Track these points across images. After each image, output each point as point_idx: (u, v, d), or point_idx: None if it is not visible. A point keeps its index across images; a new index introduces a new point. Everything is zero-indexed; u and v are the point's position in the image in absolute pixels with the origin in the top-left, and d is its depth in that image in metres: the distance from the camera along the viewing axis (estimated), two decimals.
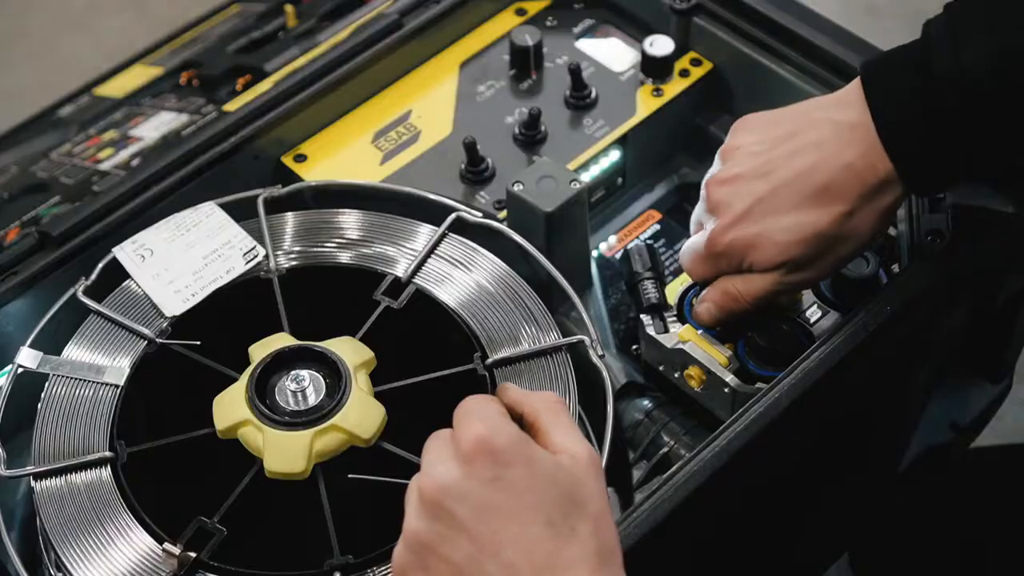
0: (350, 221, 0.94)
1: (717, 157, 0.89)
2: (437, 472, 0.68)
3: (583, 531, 0.67)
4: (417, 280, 0.90)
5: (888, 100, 0.81)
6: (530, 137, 1.04)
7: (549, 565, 0.65)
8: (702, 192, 0.88)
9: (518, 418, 0.73)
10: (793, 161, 0.83)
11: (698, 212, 0.89)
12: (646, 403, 0.97)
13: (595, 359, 0.87)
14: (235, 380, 0.83)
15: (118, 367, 0.87)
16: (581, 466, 0.69)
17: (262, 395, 0.82)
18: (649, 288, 0.96)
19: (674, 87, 1.07)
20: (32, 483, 0.83)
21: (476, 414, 0.70)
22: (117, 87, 1.38)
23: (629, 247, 0.99)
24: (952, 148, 0.80)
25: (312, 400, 0.81)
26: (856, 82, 0.83)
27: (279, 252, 0.92)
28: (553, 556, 0.66)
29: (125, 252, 0.93)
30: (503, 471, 0.67)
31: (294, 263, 0.92)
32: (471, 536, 0.66)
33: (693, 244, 0.89)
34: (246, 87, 1.21)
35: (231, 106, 1.08)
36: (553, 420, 0.72)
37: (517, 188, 0.95)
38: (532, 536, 0.66)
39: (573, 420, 0.74)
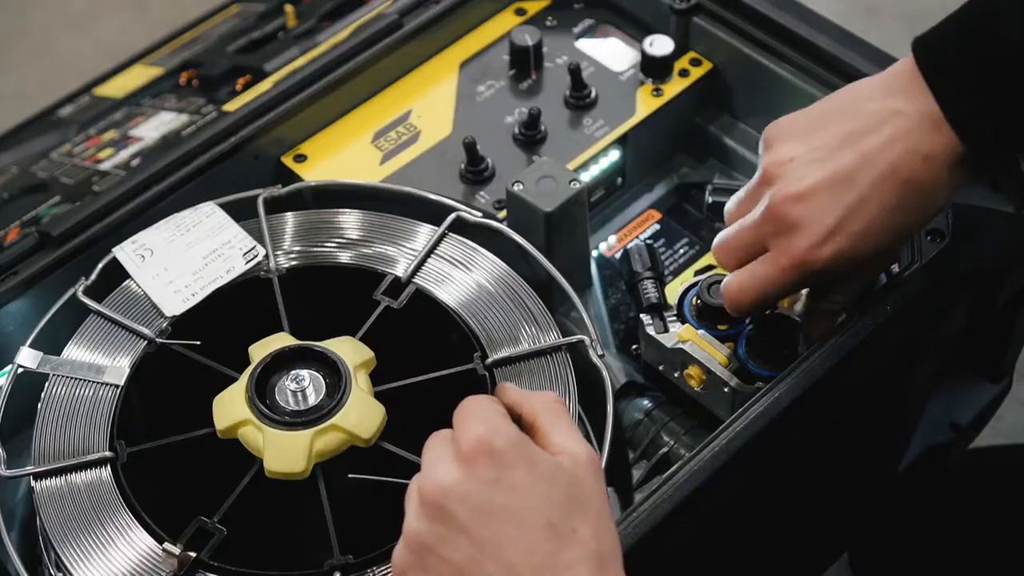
0: (350, 221, 0.94)
1: (763, 175, 0.84)
2: (437, 473, 0.68)
3: (584, 532, 0.67)
4: (417, 280, 0.90)
5: (953, 80, 0.78)
6: (530, 137, 1.04)
7: (549, 566, 0.65)
8: (767, 212, 0.82)
9: (517, 419, 0.73)
10: (870, 164, 0.80)
11: (755, 232, 0.84)
12: (646, 403, 0.97)
13: (595, 359, 0.87)
14: (235, 380, 0.83)
15: (118, 367, 0.87)
16: (581, 467, 0.69)
17: (262, 395, 0.82)
18: (649, 288, 0.96)
19: (674, 87, 1.07)
20: (32, 483, 0.83)
21: (476, 415, 0.70)
22: (117, 87, 1.38)
23: (629, 247, 0.99)
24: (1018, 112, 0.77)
25: (312, 400, 0.81)
26: (908, 64, 0.80)
27: (279, 252, 0.93)
28: (553, 557, 0.66)
29: (125, 252, 0.93)
30: (504, 472, 0.67)
31: (294, 263, 0.92)
32: (471, 537, 0.66)
33: (755, 271, 0.84)
34: (246, 87, 1.21)
35: (231, 106, 1.08)
36: (552, 421, 0.72)
37: (517, 188, 0.95)
38: (532, 537, 0.66)
39: (572, 420, 0.74)
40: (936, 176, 0.80)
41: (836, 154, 0.81)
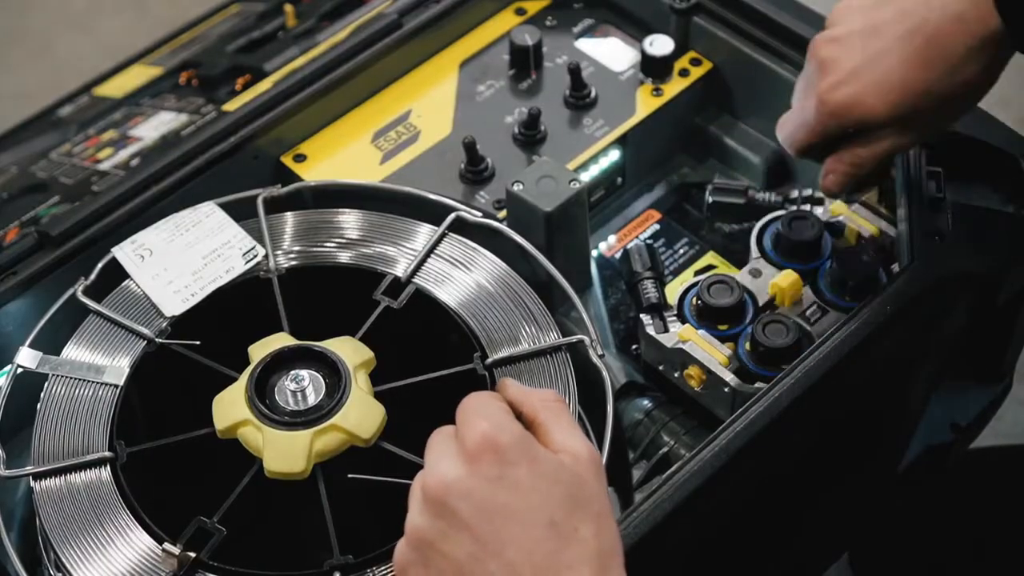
0: (350, 221, 0.94)
1: (828, 20, 0.87)
2: (440, 469, 0.68)
3: (585, 531, 0.67)
4: (417, 280, 0.90)
5: None
6: (530, 137, 1.04)
7: (551, 565, 0.65)
8: (808, 53, 0.87)
9: (518, 416, 0.73)
10: (903, 16, 0.82)
11: (804, 76, 0.88)
12: (646, 403, 0.97)
13: (595, 359, 0.87)
14: (235, 380, 0.83)
15: (118, 367, 0.87)
16: (583, 465, 0.69)
17: (262, 395, 0.82)
18: (649, 288, 0.96)
19: (674, 87, 1.07)
20: (32, 483, 0.83)
21: (480, 412, 0.70)
22: (116, 87, 1.38)
23: (629, 247, 0.99)
24: None
25: (312, 400, 0.81)
26: None
27: (279, 252, 0.92)
28: (555, 556, 0.66)
29: (124, 252, 0.93)
30: (507, 470, 0.67)
31: (294, 263, 0.92)
32: (473, 534, 0.66)
33: (798, 111, 0.88)
34: (245, 87, 1.21)
35: (230, 106, 1.08)
36: (554, 419, 0.72)
37: (517, 188, 0.95)
38: (534, 536, 0.66)
39: (573, 419, 0.74)
40: (965, 40, 0.80)
41: (880, 6, 0.83)
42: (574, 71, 1.06)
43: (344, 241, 0.93)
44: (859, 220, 0.97)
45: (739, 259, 1.03)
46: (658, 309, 0.95)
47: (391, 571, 0.78)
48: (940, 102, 0.83)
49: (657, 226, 1.07)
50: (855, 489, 1.08)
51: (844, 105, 0.84)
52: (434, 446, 0.70)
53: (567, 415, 0.73)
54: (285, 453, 0.80)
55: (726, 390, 0.90)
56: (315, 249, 0.93)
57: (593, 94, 1.07)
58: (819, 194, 1.01)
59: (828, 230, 0.96)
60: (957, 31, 0.80)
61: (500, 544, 0.66)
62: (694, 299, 0.94)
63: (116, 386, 0.86)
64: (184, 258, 0.92)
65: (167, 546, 0.78)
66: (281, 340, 0.85)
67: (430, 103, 1.07)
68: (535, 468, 0.68)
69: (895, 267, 0.94)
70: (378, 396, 0.83)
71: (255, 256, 0.92)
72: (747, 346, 0.91)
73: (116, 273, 0.92)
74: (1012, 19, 0.79)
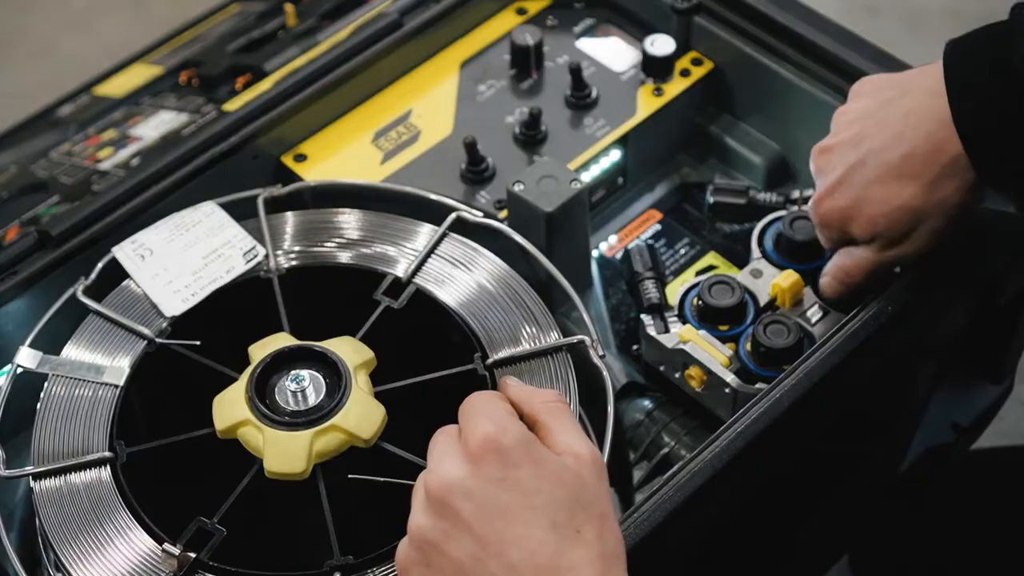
0: (350, 221, 0.94)
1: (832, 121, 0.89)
2: (443, 469, 0.68)
3: (588, 533, 0.67)
4: (417, 280, 0.90)
5: (963, 82, 0.79)
6: (531, 137, 1.04)
7: (553, 566, 0.65)
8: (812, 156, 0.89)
9: (520, 416, 0.72)
10: (882, 130, 0.83)
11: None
12: (647, 403, 0.97)
13: (595, 359, 0.87)
14: (235, 380, 0.83)
15: (118, 367, 0.87)
16: (586, 467, 0.69)
17: (262, 395, 0.82)
18: (650, 288, 0.96)
19: (675, 87, 1.07)
20: (31, 483, 0.83)
21: (484, 412, 0.70)
22: (116, 86, 1.38)
23: (630, 247, 0.99)
24: None
25: (312, 400, 0.81)
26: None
27: (279, 252, 0.92)
28: (557, 558, 0.66)
29: (124, 252, 0.93)
30: (510, 471, 0.67)
31: (294, 263, 0.92)
32: (476, 535, 0.66)
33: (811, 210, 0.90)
34: (246, 86, 1.21)
35: (231, 106, 1.08)
36: (555, 420, 0.72)
37: (518, 188, 0.95)
38: (536, 537, 0.66)
39: (575, 419, 0.74)
40: (937, 159, 0.81)
41: (866, 117, 0.84)
42: (575, 71, 1.06)
43: (344, 241, 0.93)
44: None
45: (740, 259, 1.03)
46: (659, 309, 0.95)
47: (391, 571, 0.78)
48: (917, 219, 0.83)
49: (658, 226, 1.07)
50: (856, 490, 1.08)
51: (830, 218, 0.86)
52: (437, 445, 0.70)
53: (569, 416, 0.73)
54: (285, 453, 0.80)
55: (727, 391, 0.90)
56: (315, 249, 0.93)
57: (594, 94, 1.07)
58: None
59: None
60: (930, 151, 0.81)
61: (502, 545, 0.66)
62: (695, 299, 0.93)
63: (116, 386, 0.86)
64: (184, 258, 0.92)
65: (167, 546, 0.78)
66: (281, 340, 0.85)
67: (431, 103, 1.07)
68: (538, 469, 0.67)
69: (896, 268, 0.94)
70: (378, 396, 0.83)
71: (255, 256, 0.92)
72: (748, 346, 0.91)
73: (116, 273, 0.92)
74: (975, 152, 0.80)
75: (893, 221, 0.84)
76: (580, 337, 0.87)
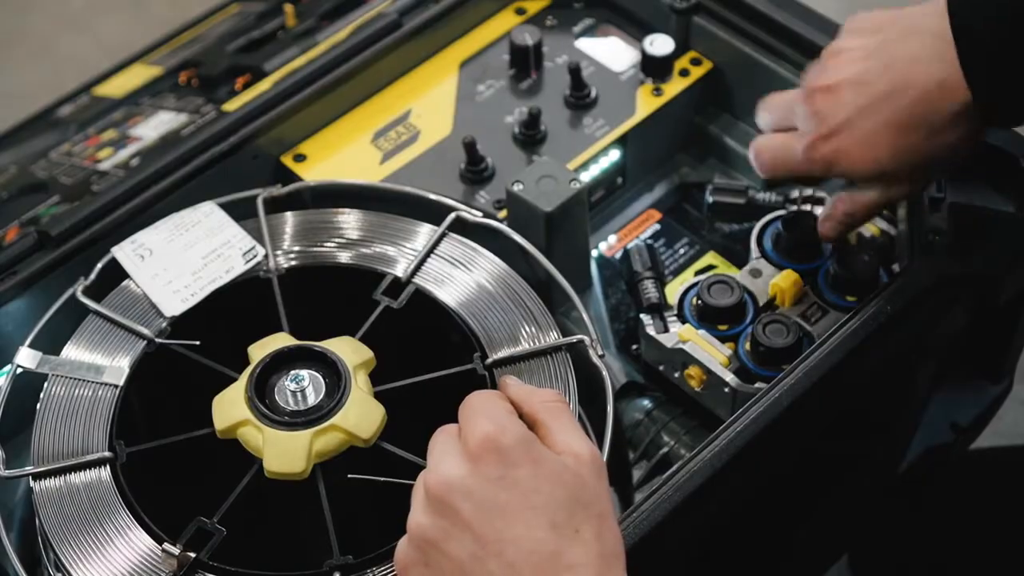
0: (350, 221, 0.94)
1: (823, 56, 0.88)
2: (443, 468, 0.68)
3: (587, 533, 0.67)
4: (417, 280, 0.90)
5: (971, 29, 0.79)
6: (530, 137, 1.04)
7: (552, 566, 0.65)
8: (802, 93, 0.87)
9: (519, 415, 0.73)
10: (890, 73, 0.82)
11: (795, 112, 0.88)
12: (646, 403, 0.97)
13: (595, 359, 0.87)
14: (234, 380, 0.83)
15: (117, 367, 0.87)
16: (585, 467, 0.69)
17: (262, 395, 0.82)
18: (649, 288, 0.96)
19: (674, 86, 1.07)
20: (31, 483, 0.83)
21: (483, 412, 0.70)
22: (116, 87, 1.38)
23: (629, 247, 0.99)
24: None
25: (312, 400, 0.81)
26: None
27: (278, 252, 0.92)
28: (556, 557, 0.66)
29: (124, 252, 0.93)
30: (509, 470, 0.67)
31: (294, 263, 0.92)
32: (475, 534, 0.66)
33: (783, 145, 0.89)
34: (245, 87, 1.21)
35: (230, 106, 1.08)
36: (555, 419, 0.72)
37: (517, 188, 0.95)
38: (536, 537, 0.66)
39: (575, 419, 0.74)
40: (947, 106, 0.81)
41: (870, 58, 0.84)
42: (574, 71, 1.06)
43: (344, 241, 0.93)
44: None
45: (739, 259, 1.03)
46: (658, 309, 0.95)
47: (391, 571, 0.78)
48: (924, 161, 0.84)
49: (657, 226, 1.07)
50: (855, 490, 1.08)
51: (831, 158, 0.85)
52: (437, 445, 0.71)
53: (568, 415, 0.73)
54: (285, 453, 0.80)
55: (726, 390, 0.90)
56: (315, 249, 0.93)
57: (593, 94, 1.07)
58: (820, 194, 1.01)
59: None
60: (940, 97, 0.81)
61: (501, 544, 0.66)
62: (694, 299, 0.93)
63: (116, 386, 0.86)
64: (184, 258, 0.92)
65: (167, 546, 0.78)
66: (281, 340, 0.85)
67: (430, 103, 1.07)
68: (537, 469, 0.68)
69: (895, 267, 0.94)
70: (378, 396, 0.83)
71: (255, 256, 0.92)
72: (747, 346, 0.91)
73: (116, 273, 0.92)
74: (979, 94, 0.80)
75: (901, 164, 0.84)
76: (579, 337, 0.87)
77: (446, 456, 0.69)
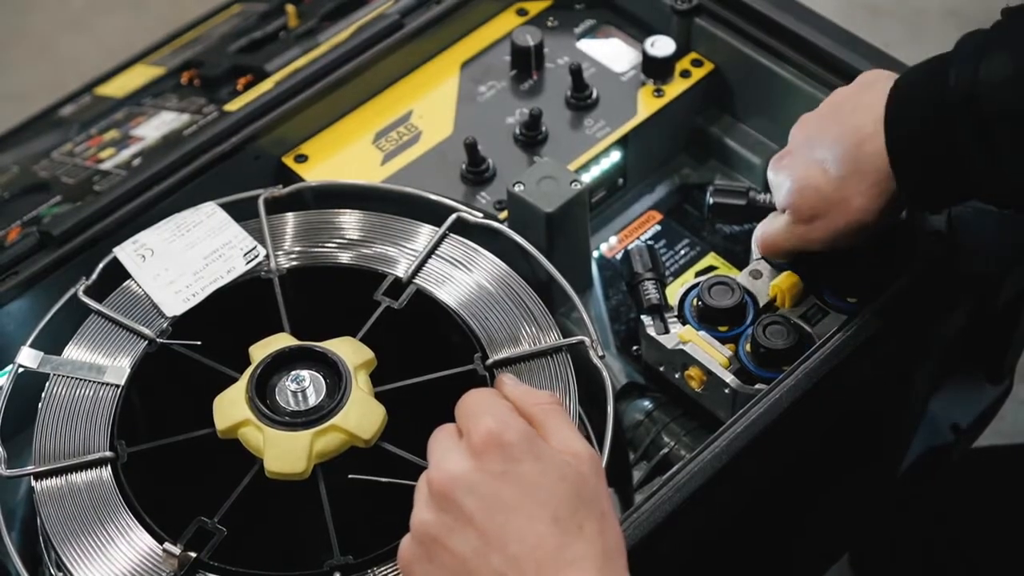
0: (350, 221, 0.94)
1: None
2: (446, 465, 0.69)
3: (590, 529, 0.67)
4: (417, 280, 0.90)
5: (901, 101, 0.81)
6: (531, 138, 1.04)
7: (554, 560, 0.66)
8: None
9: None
10: (835, 121, 0.86)
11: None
12: (646, 404, 0.97)
13: (595, 360, 0.87)
14: (235, 380, 0.83)
15: (119, 367, 0.87)
16: (585, 465, 0.70)
17: (262, 395, 0.82)
18: (650, 289, 0.96)
19: (675, 88, 1.07)
20: (32, 483, 0.83)
21: (485, 408, 0.70)
22: (118, 87, 1.38)
23: (630, 247, 0.99)
24: (956, 169, 0.79)
25: (312, 400, 0.82)
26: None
27: (279, 252, 0.93)
28: (559, 552, 0.66)
29: (126, 252, 0.93)
30: (512, 466, 0.68)
31: (294, 263, 0.92)
32: (478, 529, 0.67)
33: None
34: (247, 87, 1.21)
35: (232, 106, 1.08)
36: (551, 421, 0.72)
37: (518, 188, 0.95)
38: (538, 532, 0.66)
39: (571, 420, 0.74)
40: (862, 159, 0.83)
41: (836, 106, 0.87)
42: (575, 72, 1.06)
43: (345, 241, 0.93)
44: None
45: (740, 260, 1.03)
46: (659, 310, 0.95)
47: (391, 571, 0.78)
48: (827, 206, 0.85)
49: (658, 227, 1.07)
50: (855, 490, 1.08)
51: (779, 172, 0.88)
52: (439, 442, 0.71)
53: (564, 416, 0.73)
54: (285, 453, 0.80)
55: (727, 391, 0.90)
56: (316, 249, 0.93)
57: (594, 95, 1.07)
58: None
59: None
60: (856, 146, 0.83)
61: (504, 538, 0.66)
62: (695, 300, 0.94)
63: (117, 386, 0.86)
64: (185, 258, 0.92)
65: (168, 546, 0.78)
66: (282, 340, 0.85)
67: (431, 104, 1.08)
68: (539, 465, 0.68)
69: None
70: (379, 396, 0.83)
71: (256, 256, 0.92)
72: (747, 347, 0.91)
73: (117, 273, 0.92)
74: (904, 179, 0.82)
75: (803, 198, 0.86)
76: (580, 337, 0.87)
77: (449, 453, 0.69)
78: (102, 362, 0.88)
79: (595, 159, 1.04)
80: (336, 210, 0.95)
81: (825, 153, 0.85)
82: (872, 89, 0.84)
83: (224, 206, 0.95)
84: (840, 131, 0.85)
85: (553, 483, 0.68)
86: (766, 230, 0.92)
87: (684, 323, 0.93)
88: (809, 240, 0.88)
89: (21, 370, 0.87)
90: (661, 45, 1.06)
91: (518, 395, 0.74)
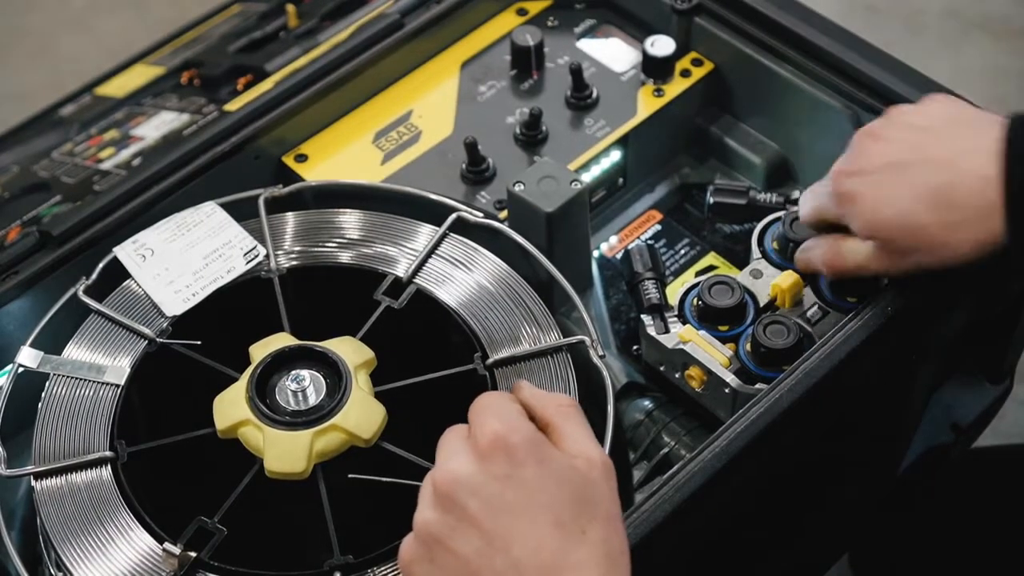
0: (351, 221, 0.94)
1: (855, 140, 0.86)
2: (451, 466, 0.69)
3: (593, 534, 0.67)
4: (418, 280, 0.90)
5: (1018, 158, 0.78)
6: (531, 137, 1.04)
7: (556, 564, 0.66)
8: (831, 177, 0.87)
9: (532, 419, 0.73)
10: (939, 149, 0.81)
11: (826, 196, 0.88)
12: (647, 403, 0.97)
13: (596, 359, 0.87)
14: (235, 380, 0.83)
15: (118, 367, 0.87)
16: (596, 470, 0.70)
17: (262, 395, 0.82)
18: (650, 288, 0.96)
19: (675, 87, 1.07)
20: (32, 483, 0.83)
21: (494, 411, 0.71)
22: (118, 87, 1.38)
23: (630, 247, 0.99)
24: None
25: (312, 400, 0.82)
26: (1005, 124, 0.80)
27: (279, 252, 0.93)
28: (561, 555, 0.66)
29: (126, 252, 0.93)
30: (517, 469, 0.68)
31: (294, 263, 0.92)
32: (481, 530, 0.67)
33: (820, 192, 0.89)
34: (247, 87, 1.21)
35: (232, 106, 1.08)
36: (568, 423, 0.73)
37: (518, 188, 0.95)
38: (541, 535, 0.66)
39: (587, 424, 0.74)
40: (975, 201, 0.79)
41: (929, 129, 0.83)
42: (575, 72, 1.06)
43: (345, 241, 0.93)
44: None
45: (740, 260, 1.03)
46: (659, 310, 0.95)
47: (391, 571, 0.78)
48: (924, 246, 0.82)
49: (658, 227, 1.07)
50: (855, 490, 1.08)
51: (847, 194, 0.84)
52: (446, 443, 0.71)
53: (582, 420, 0.73)
54: (286, 453, 0.80)
55: (727, 391, 0.90)
56: (316, 249, 0.93)
57: (594, 94, 1.07)
58: None
59: None
60: (971, 193, 0.79)
61: (507, 541, 0.66)
62: (695, 300, 0.94)
63: (117, 386, 0.86)
64: (185, 258, 0.92)
65: (168, 546, 0.78)
66: (282, 340, 0.85)
67: (431, 103, 1.08)
68: (544, 469, 0.68)
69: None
70: (379, 396, 0.83)
71: (256, 256, 0.92)
72: (748, 347, 0.91)
73: (117, 273, 0.92)
74: (1015, 233, 0.78)
75: (900, 234, 0.82)
76: (580, 337, 0.87)
77: (456, 453, 0.70)
78: (102, 362, 0.88)
79: (595, 159, 1.04)
80: (336, 210, 0.95)
81: (924, 186, 0.80)
82: (972, 127, 0.81)
83: (224, 206, 0.95)
84: (944, 167, 0.80)
85: (557, 487, 0.68)
86: (837, 251, 0.87)
87: (684, 323, 0.93)
88: (896, 268, 0.85)
89: (21, 370, 0.87)
90: (661, 45, 1.06)
91: (536, 398, 0.74)
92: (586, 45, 1.11)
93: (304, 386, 0.81)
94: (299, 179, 1.02)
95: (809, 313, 0.93)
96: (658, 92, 1.07)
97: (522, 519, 0.67)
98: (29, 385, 0.87)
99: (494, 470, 0.68)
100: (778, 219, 0.97)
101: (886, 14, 2.09)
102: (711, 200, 1.04)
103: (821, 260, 0.89)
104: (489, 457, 0.68)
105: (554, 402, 0.74)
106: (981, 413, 1.12)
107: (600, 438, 0.84)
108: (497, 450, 0.68)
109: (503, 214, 0.99)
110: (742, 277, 0.95)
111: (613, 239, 1.07)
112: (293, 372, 0.82)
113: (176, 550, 0.78)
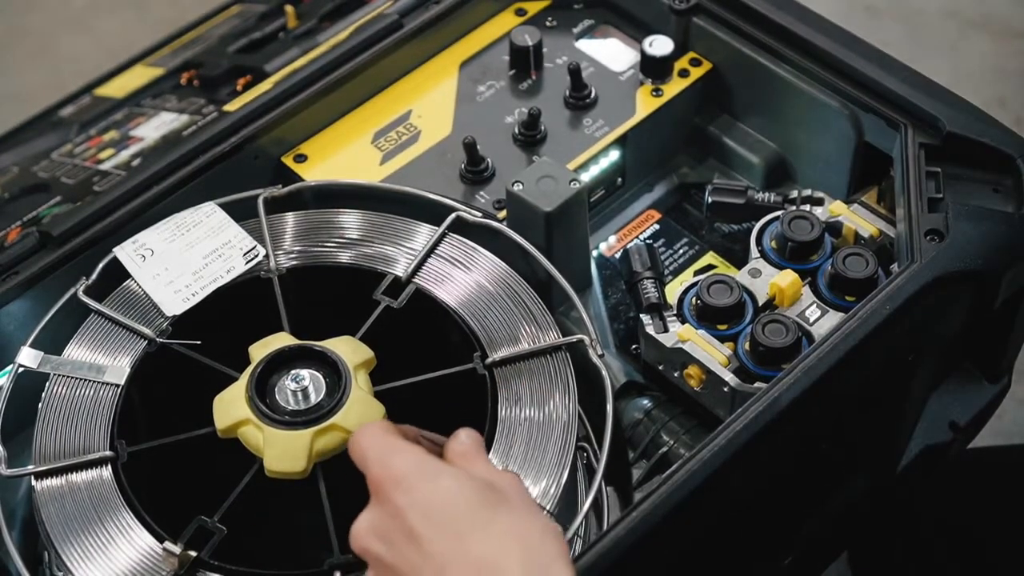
0: (350, 221, 0.94)
1: None
2: (358, 523, 0.70)
3: (500, 527, 0.67)
4: (417, 280, 0.90)
5: None
6: (530, 137, 1.05)
7: (485, 559, 0.66)
8: None
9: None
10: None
11: None
12: (646, 402, 0.97)
13: (595, 358, 0.87)
14: (235, 379, 0.84)
15: (119, 367, 0.87)
16: (506, 480, 0.70)
17: (262, 394, 0.82)
18: (648, 288, 0.96)
19: (673, 87, 1.07)
20: (33, 482, 0.83)
21: (369, 452, 0.71)
22: (118, 87, 1.38)
23: (629, 247, 0.99)
24: None
25: (312, 399, 0.82)
26: None
27: (279, 252, 0.93)
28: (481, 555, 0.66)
29: (126, 252, 0.93)
30: (411, 496, 0.68)
31: (294, 263, 0.92)
32: (407, 561, 0.67)
33: None
34: (247, 87, 1.21)
35: (231, 106, 1.08)
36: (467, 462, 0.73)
37: (517, 188, 0.95)
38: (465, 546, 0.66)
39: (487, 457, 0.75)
40: None
41: None
42: (574, 71, 1.06)
43: (344, 241, 0.93)
44: (858, 220, 0.98)
45: (738, 259, 1.03)
46: (658, 309, 0.95)
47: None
48: None
49: (657, 226, 1.07)
50: (854, 489, 1.08)
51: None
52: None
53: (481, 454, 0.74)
54: (286, 452, 0.80)
55: (725, 390, 0.90)
56: (315, 249, 0.93)
57: (593, 94, 1.07)
58: (819, 194, 1.01)
59: (828, 230, 0.96)
60: None
61: (443, 559, 0.66)
62: (694, 299, 0.94)
63: (117, 386, 0.87)
64: (185, 258, 0.92)
65: (168, 545, 0.78)
66: (281, 340, 0.85)
67: (430, 103, 1.08)
68: (437, 484, 0.69)
69: (895, 267, 0.94)
70: (378, 396, 0.83)
71: (256, 256, 0.92)
72: (746, 346, 0.91)
73: (117, 273, 0.92)
74: None
75: None
76: (579, 336, 0.87)
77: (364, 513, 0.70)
78: (102, 362, 0.88)
79: (594, 158, 1.05)
80: (335, 210, 0.95)
81: None
82: None
83: (224, 206, 0.95)
84: None
85: (457, 494, 0.68)
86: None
87: (683, 322, 0.94)
88: None
89: (21, 370, 0.88)
90: (659, 44, 1.07)
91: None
92: (585, 45, 1.11)
93: (304, 385, 0.82)
94: (298, 179, 1.02)
95: (807, 312, 0.93)
96: (656, 92, 1.07)
97: (442, 538, 0.67)
98: (29, 385, 0.87)
99: (390, 510, 0.69)
100: (776, 218, 0.97)
101: (886, 14, 2.09)
102: (710, 199, 1.04)
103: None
104: (381, 499, 0.69)
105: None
106: (979, 412, 1.12)
107: (600, 437, 0.84)
108: (382, 490, 0.69)
109: (502, 214, 0.99)
110: (741, 276, 0.95)
111: (612, 239, 1.07)
112: (293, 372, 0.82)
113: (176, 549, 0.78)
